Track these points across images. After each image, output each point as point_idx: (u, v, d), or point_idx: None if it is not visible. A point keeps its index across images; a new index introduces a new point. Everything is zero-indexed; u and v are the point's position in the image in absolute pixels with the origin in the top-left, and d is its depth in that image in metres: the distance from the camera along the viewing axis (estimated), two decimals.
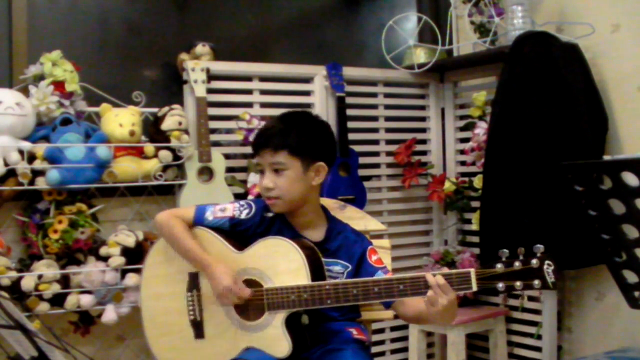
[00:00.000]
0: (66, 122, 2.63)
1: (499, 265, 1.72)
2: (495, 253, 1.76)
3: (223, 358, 1.89)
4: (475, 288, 1.73)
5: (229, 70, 3.07)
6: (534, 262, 1.70)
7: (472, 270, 1.74)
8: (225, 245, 1.95)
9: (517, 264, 1.71)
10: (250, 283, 1.91)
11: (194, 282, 1.97)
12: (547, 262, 1.69)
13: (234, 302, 1.87)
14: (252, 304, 1.90)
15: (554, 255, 1.70)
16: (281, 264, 1.87)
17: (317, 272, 1.86)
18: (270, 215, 2.00)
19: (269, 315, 1.87)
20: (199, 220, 1.99)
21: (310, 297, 1.83)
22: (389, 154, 3.50)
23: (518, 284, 1.71)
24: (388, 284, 1.80)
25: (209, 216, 1.99)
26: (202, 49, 3.01)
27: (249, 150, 3.00)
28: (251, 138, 2.93)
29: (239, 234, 1.98)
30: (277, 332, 1.85)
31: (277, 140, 1.92)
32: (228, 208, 2.00)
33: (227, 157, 2.98)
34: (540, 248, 1.70)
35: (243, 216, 1.99)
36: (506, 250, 1.73)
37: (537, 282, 1.70)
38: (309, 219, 2.00)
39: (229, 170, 3.00)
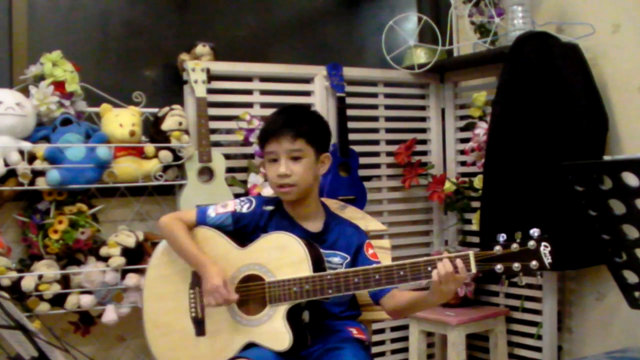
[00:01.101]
0: (66, 122, 2.63)
1: (497, 248, 1.74)
2: None
3: (222, 354, 1.89)
4: (474, 269, 1.75)
5: (229, 70, 3.07)
6: (531, 243, 1.72)
7: (471, 252, 1.76)
8: (227, 242, 1.96)
9: (515, 246, 1.73)
10: (252, 278, 1.91)
11: (196, 280, 1.97)
12: (543, 243, 1.72)
13: (218, 304, 1.87)
14: (254, 297, 1.91)
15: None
16: (283, 257, 1.88)
17: (317, 264, 1.88)
18: (270, 208, 2.02)
19: (270, 308, 1.87)
20: (201, 219, 2.01)
21: (311, 288, 1.84)
22: (389, 154, 3.50)
23: (516, 265, 1.73)
24: (388, 270, 1.82)
25: (211, 213, 2.01)
26: (202, 49, 3.01)
27: (249, 150, 3.01)
28: (252, 138, 2.94)
29: (241, 232, 1.99)
30: (278, 325, 1.85)
31: (296, 126, 1.95)
32: (229, 204, 2.03)
33: (227, 157, 2.98)
34: (536, 231, 1.73)
35: (244, 210, 2.01)
36: (503, 234, 1.75)
37: (534, 263, 1.72)
38: (309, 210, 2.03)
39: (229, 170, 3.00)
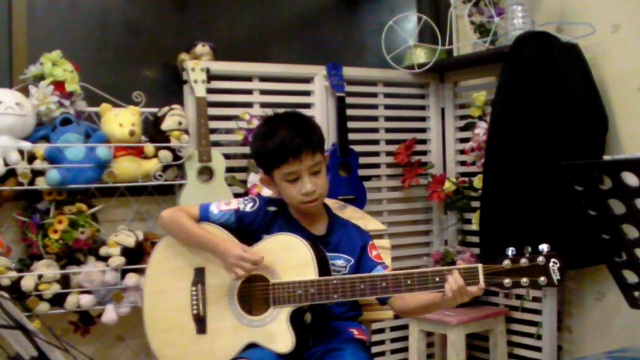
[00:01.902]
0: (66, 122, 2.63)
1: (506, 262, 1.74)
2: (495, 253, 1.78)
3: (223, 354, 1.89)
4: (482, 284, 1.75)
5: (229, 70, 3.07)
6: (540, 259, 1.72)
7: (480, 266, 1.75)
8: (232, 241, 1.95)
9: (524, 261, 1.73)
10: (256, 278, 1.91)
11: (199, 277, 1.96)
12: (552, 259, 1.72)
13: (247, 271, 1.85)
14: (257, 298, 1.91)
15: (560, 253, 1.72)
16: (289, 259, 1.87)
17: (323, 268, 1.87)
18: (273, 209, 2.01)
19: (273, 310, 1.87)
20: (204, 216, 2.00)
21: (317, 292, 1.83)
22: (389, 154, 3.50)
23: (524, 280, 1.73)
24: (395, 279, 1.81)
25: (214, 209, 2.00)
26: (202, 49, 3.01)
27: (249, 150, 3.01)
28: (252, 138, 2.94)
29: (244, 230, 1.99)
30: (281, 327, 1.85)
31: (312, 141, 1.92)
32: (233, 202, 2.02)
33: (227, 157, 2.98)
34: (546, 246, 1.73)
35: (248, 209, 1.99)
36: (513, 248, 1.75)
37: (542, 279, 1.72)
38: (314, 213, 2.01)
39: (229, 170, 3.00)
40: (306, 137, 1.91)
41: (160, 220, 2.05)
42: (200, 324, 1.95)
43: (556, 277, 1.71)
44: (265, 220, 1.99)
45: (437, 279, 1.78)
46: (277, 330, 1.85)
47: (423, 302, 1.89)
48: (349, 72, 3.31)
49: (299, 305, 1.85)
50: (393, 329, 3.49)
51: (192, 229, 1.95)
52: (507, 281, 1.74)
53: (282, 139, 1.90)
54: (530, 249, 1.74)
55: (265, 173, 2.00)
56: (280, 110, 2.07)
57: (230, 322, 1.91)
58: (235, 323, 1.91)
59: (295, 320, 1.86)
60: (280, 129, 1.93)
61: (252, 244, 1.94)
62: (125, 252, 2.68)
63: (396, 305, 1.95)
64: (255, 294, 1.91)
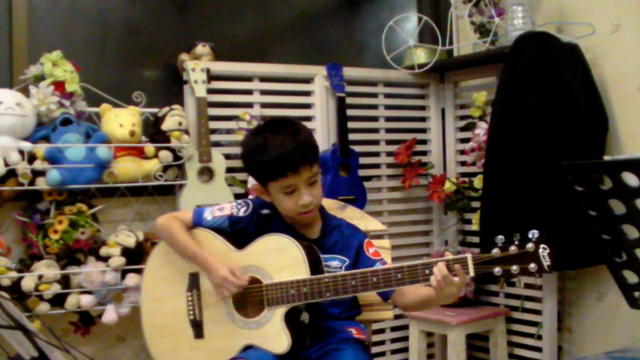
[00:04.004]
0: (66, 122, 2.63)
1: (495, 250, 1.73)
2: None
3: (221, 357, 1.89)
4: (472, 273, 1.74)
5: (229, 70, 3.07)
6: (529, 246, 1.71)
7: (469, 255, 1.75)
8: (225, 244, 1.95)
9: (513, 248, 1.72)
10: (250, 280, 1.91)
11: (193, 282, 1.97)
12: (542, 245, 1.71)
13: (232, 292, 1.87)
14: (252, 300, 1.91)
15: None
16: (280, 259, 1.88)
17: (315, 267, 1.87)
18: (267, 212, 2.01)
19: (268, 311, 1.87)
20: (197, 221, 2.00)
21: (309, 291, 1.83)
22: (389, 154, 3.50)
23: (514, 267, 1.71)
24: (386, 273, 1.81)
25: (208, 216, 2.00)
26: (202, 49, 3.01)
27: None
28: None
29: (238, 233, 1.99)
30: (276, 327, 1.85)
31: (309, 153, 1.88)
32: (225, 207, 2.01)
33: (227, 157, 2.98)
34: (535, 233, 1.72)
35: (241, 213, 1.99)
36: (501, 236, 1.74)
37: (532, 266, 1.71)
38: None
39: (229, 170, 3.00)
40: (303, 150, 1.87)
41: (154, 227, 2.06)
42: (197, 328, 1.95)
43: (546, 262, 1.70)
44: (259, 224, 1.99)
45: (427, 272, 1.78)
46: (272, 330, 1.86)
47: (420, 296, 1.89)
48: (349, 72, 3.31)
49: (292, 304, 1.85)
50: (393, 329, 3.49)
51: (182, 240, 1.95)
52: (497, 269, 1.72)
53: (279, 153, 1.85)
54: (519, 236, 1.72)
55: (259, 183, 1.98)
56: (273, 114, 2.03)
57: (226, 325, 1.92)
58: (231, 326, 1.91)
59: (291, 320, 1.86)
60: (274, 141, 1.87)
61: (246, 246, 1.94)
62: (125, 252, 2.68)
63: (398, 301, 1.95)
64: (249, 295, 1.91)
